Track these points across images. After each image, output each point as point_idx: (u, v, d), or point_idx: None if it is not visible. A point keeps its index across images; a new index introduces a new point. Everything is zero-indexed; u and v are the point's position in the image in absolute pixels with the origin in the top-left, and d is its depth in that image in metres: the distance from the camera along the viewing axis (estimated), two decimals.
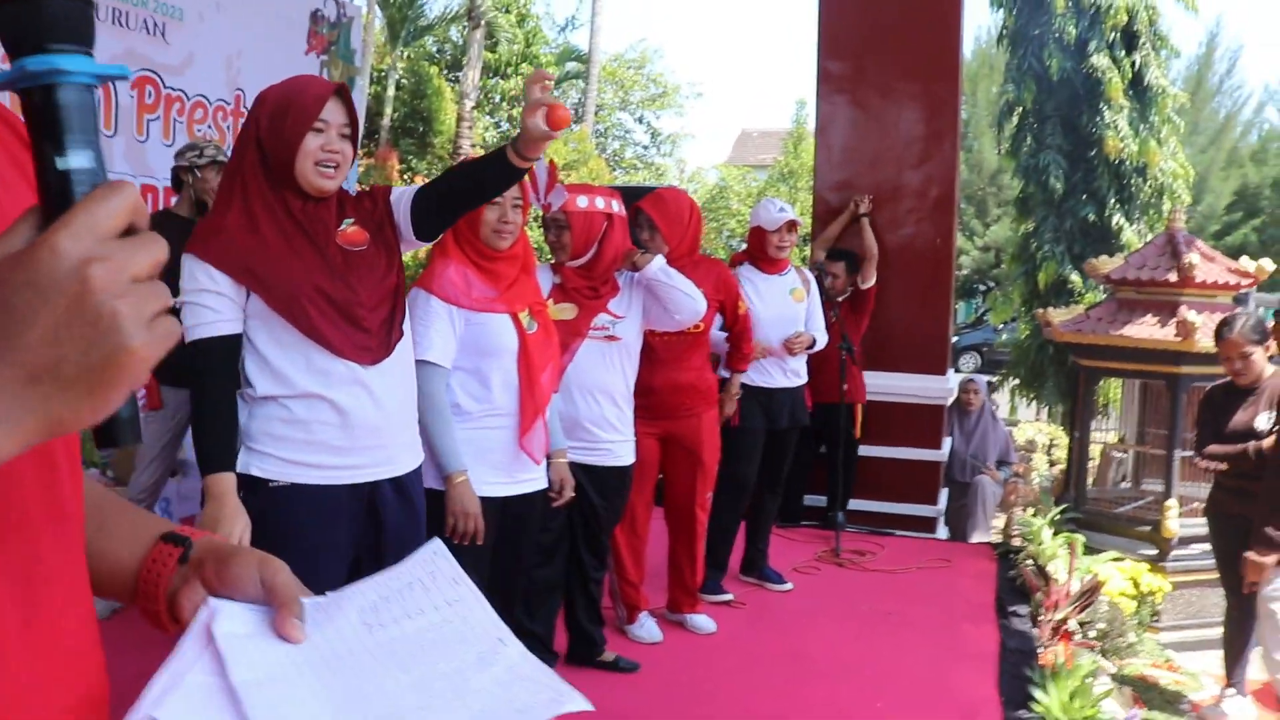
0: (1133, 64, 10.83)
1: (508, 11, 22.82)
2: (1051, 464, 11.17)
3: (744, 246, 4.85)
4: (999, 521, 7.86)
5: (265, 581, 0.82)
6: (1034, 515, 5.64)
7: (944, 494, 6.69)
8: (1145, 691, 4.66)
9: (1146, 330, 6.61)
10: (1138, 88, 10.88)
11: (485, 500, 2.77)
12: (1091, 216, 10.90)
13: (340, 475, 2.30)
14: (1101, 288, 8.39)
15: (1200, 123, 19.48)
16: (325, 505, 2.28)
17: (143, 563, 0.87)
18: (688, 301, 3.49)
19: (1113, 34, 10.68)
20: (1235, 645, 4.79)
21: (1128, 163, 10.78)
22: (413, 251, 3.52)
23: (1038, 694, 3.43)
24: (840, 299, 5.74)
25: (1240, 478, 4.42)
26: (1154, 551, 6.53)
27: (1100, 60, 10.60)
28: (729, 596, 4.52)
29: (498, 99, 23.45)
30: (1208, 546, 5.83)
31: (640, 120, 27.26)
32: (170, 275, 0.62)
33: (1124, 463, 7.89)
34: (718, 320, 4.22)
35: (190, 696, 0.73)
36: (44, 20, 0.61)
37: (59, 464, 0.73)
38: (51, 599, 0.71)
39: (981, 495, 7.71)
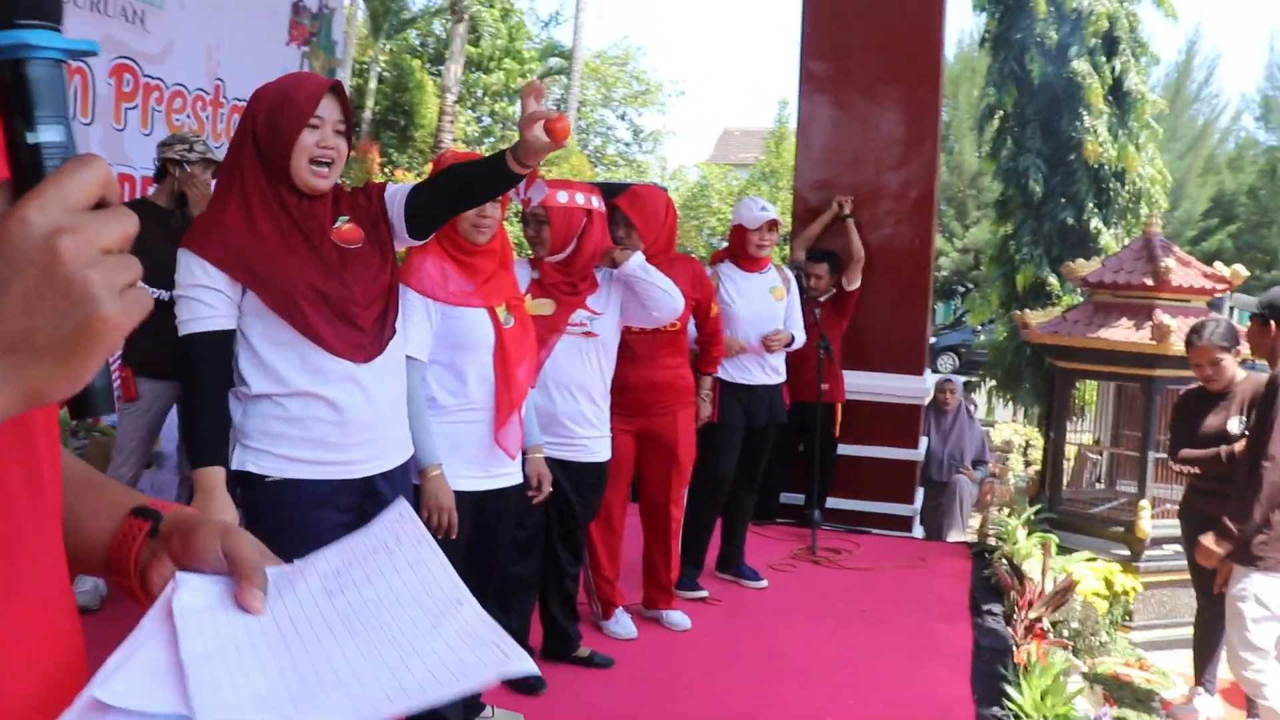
0: (1113, 70, 10.92)
1: (491, 6, 22.78)
2: (1027, 464, 11.25)
3: (724, 245, 4.86)
4: (975, 521, 7.91)
5: (227, 552, 0.83)
6: (1009, 515, 5.69)
7: (920, 493, 6.73)
8: (1117, 690, 4.71)
9: (1122, 333, 6.66)
10: (1117, 93, 10.97)
11: (460, 494, 2.77)
12: (1070, 220, 11.00)
13: (335, 470, 2.32)
14: (1079, 291, 8.45)
15: (1178, 129, 19.64)
16: (320, 500, 2.31)
17: (114, 537, 0.87)
18: (666, 299, 3.49)
19: (1094, 40, 10.77)
20: (1206, 645, 4.83)
21: (1106, 167, 10.87)
22: None
23: (1011, 692, 3.45)
24: (823, 299, 5.76)
25: (1213, 481, 4.46)
26: (1127, 552, 6.58)
27: (1081, 66, 10.69)
28: (704, 593, 4.53)
29: (480, 93, 23.40)
30: (1180, 547, 5.88)
31: (623, 117, 27.27)
32: (152, 267, 0.63)
33: (1098, 464, 7.96)
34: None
35: (136, 673, 0.72)
36: None
37: (37, 438, 0.74)
38: (30, 571, 0.72)
39: (959, 494, 7.77)
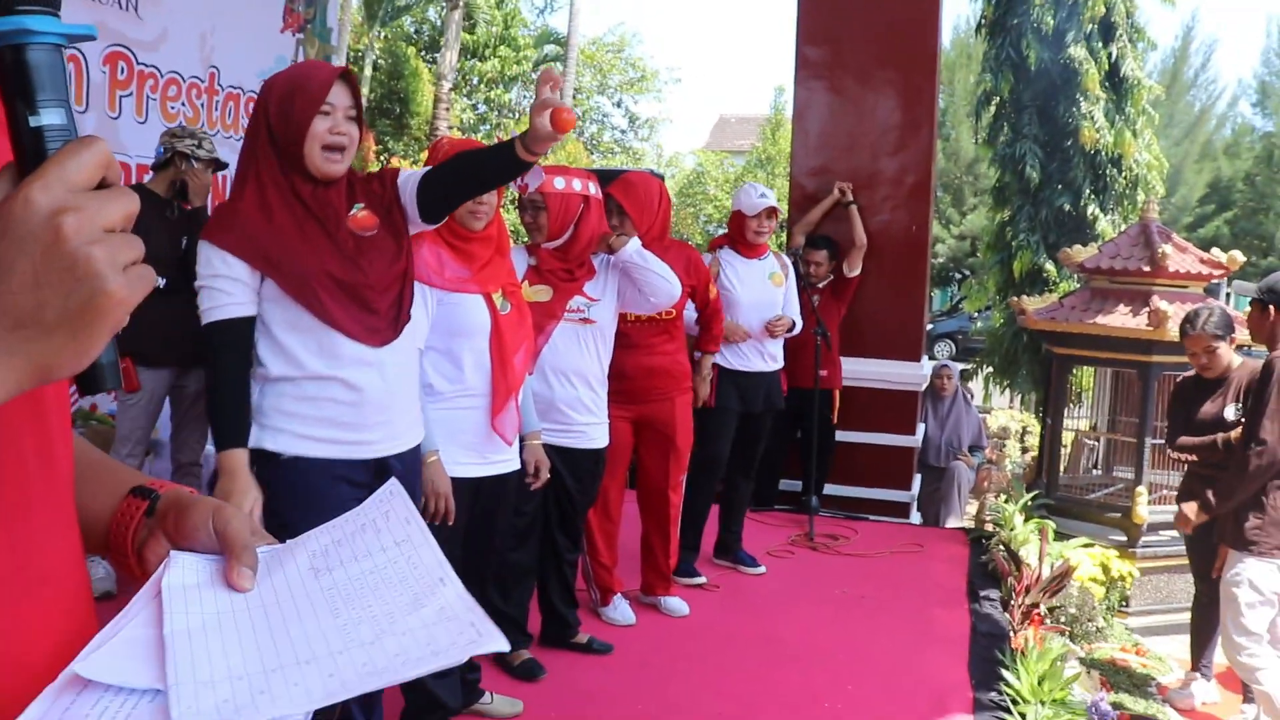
0: (1109, 56, 10.89)
1: None
2: (1024, 451, 11.26)
3: (721, 231, 4.85)
4: (972, 507, 7.92)
5: (217, 531, 0.84)
6: (1006, 501, 5.69)
7: (917, 479, 6.74)
8: (1114, 675, 4.72)
9: (1119, 319, 6.66)
10: (1114, 79, 10.94)
11: (457, 480, 2.77)
12: (1067, 206, 10.98)
13: (349, 450, 2.38)
14: (1075, 277, 8.45)
15: (1175, 115, 19.63)
16: (334, 479, 2.36)
17: (113, 515, 0.89)
18: (663, 284, 3.49)
19: (1090, 25, 10.74)
20: (1202, 630, 4.85)
21: (1103, 154, 10.85)
22: None
23: (1008, 677, 3.46)
24: (821, 285, 5.76)
25: (1211, 468, 4.47)
26: (1124, 537, 6.60)
27: (1078, 51, 10.65)
28: (702, 579, 4.54)
29: (475, 80, 23.32)
30: (1176, 533, 5.90)
31: (618, 104, 27.20)
32: (147, 254, 0.64)
33: (1095, 450, 7.97)
34: (691, 306, 4.23)
35: (119, 650, 0.73)
36: None
37: (50, 415, 0.76)
38: (43, 545, 0.74)
39: (956, 480, 7.78)
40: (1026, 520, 5.34)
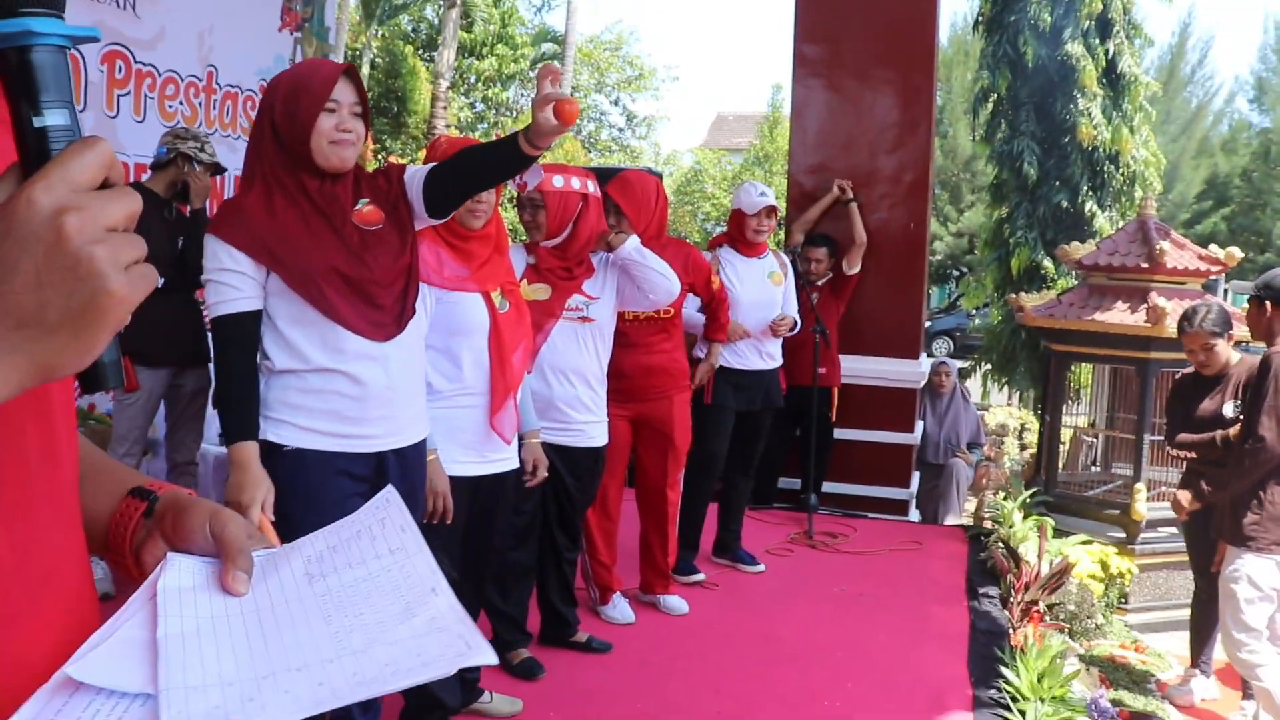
0: (1107, 52, 10.89)
1: None
2: (1023, 448, 11.26)
3: (719, 229, 4.86)
4: (970, 504, 7.92)
5: (214, 534, 0.84)
6: (1005, 498, 5.69)
7: (915, 477, 6.74)
8: (1113, 672, 4.72)
9: (1117, 316, 6.66)
10: (1111, 76, 10.94)
11: (456, 479, 2.78)
12: (1064, 203, 10.97)
13: (352, 444, 2.40)
14: (1074, 274, 8.44)
15: (1172, 112, 19.63)
16: (337, 471, 2.38)
17: (112, 516, 0.89)
18: (662, 282, 3.49)
19: (1088, 22, 10.73)
20: (1202, 626, 4.85)
21: (1101, 150, 10.85)
22: None
23: (1007, 674, 3.46)
24: (820, 283, 5.76)
25: (1210, 465, 4.48)
26: (1123, 534, 6.60)
27: (1075, 48, 10.65)
28: (701, 577, 4.54)
29: (473, 79, 23.29)
30: (1175, 530, 5.90)
31: (616, 102, 27.16)
32: (151, 251, 0.64)
33: (1094, 447, 7.97)
34: (695, 301, 4.23)
35: (111, 652, 0.73)
36: None
37: (55, 414, 0.76)
38: (46, 541, 0.74)
39: (955, 478, 7.78)
40: (1025, 517, 5.34)
